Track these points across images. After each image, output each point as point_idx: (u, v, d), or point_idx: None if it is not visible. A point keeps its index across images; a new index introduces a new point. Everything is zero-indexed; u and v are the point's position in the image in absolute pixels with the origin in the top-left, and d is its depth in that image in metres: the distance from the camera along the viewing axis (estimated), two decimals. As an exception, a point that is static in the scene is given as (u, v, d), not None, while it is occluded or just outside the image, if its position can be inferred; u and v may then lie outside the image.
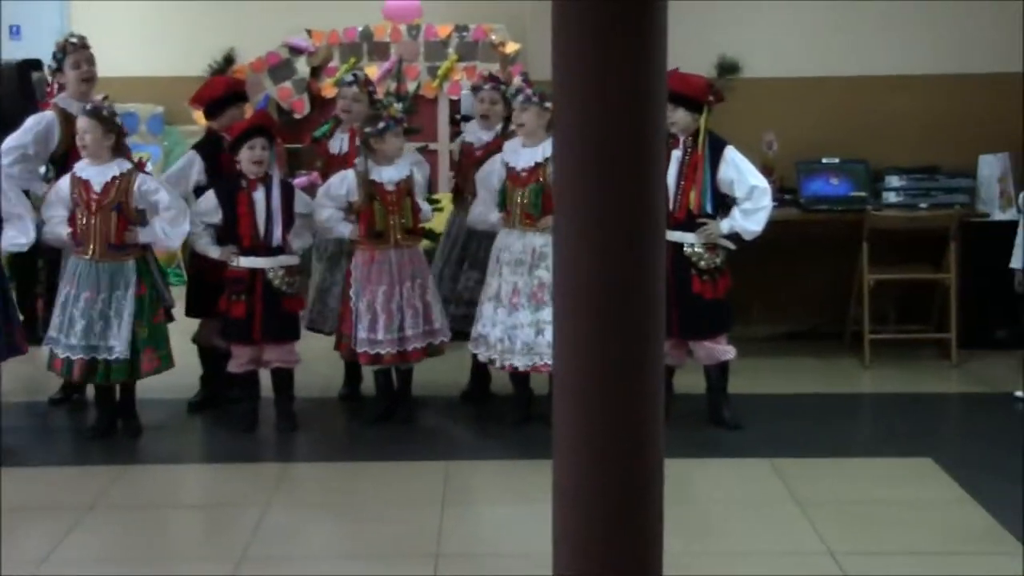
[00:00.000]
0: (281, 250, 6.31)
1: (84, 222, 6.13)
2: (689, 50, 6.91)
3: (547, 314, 5.88)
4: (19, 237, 6.21)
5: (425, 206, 6.58)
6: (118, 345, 6.11)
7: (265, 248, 6.27)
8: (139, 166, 6.27)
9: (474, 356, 6.57)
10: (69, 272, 6.18)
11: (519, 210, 6.29)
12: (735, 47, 6.55)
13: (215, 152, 6.61)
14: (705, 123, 6.23)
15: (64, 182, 6.20)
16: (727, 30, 7.76)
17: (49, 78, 6.89)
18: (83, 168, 6.16)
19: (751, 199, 6.26)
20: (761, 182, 6.31)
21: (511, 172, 6.33)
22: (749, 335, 6.55)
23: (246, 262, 6.27)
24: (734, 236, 6.31)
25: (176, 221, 6.22)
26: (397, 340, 6.34)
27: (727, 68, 6.37)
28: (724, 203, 6.32)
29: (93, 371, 6.15)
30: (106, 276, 6.15)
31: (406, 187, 6.38)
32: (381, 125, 6.34)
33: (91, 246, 6.13)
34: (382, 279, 6.34)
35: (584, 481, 3.24)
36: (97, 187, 6.13)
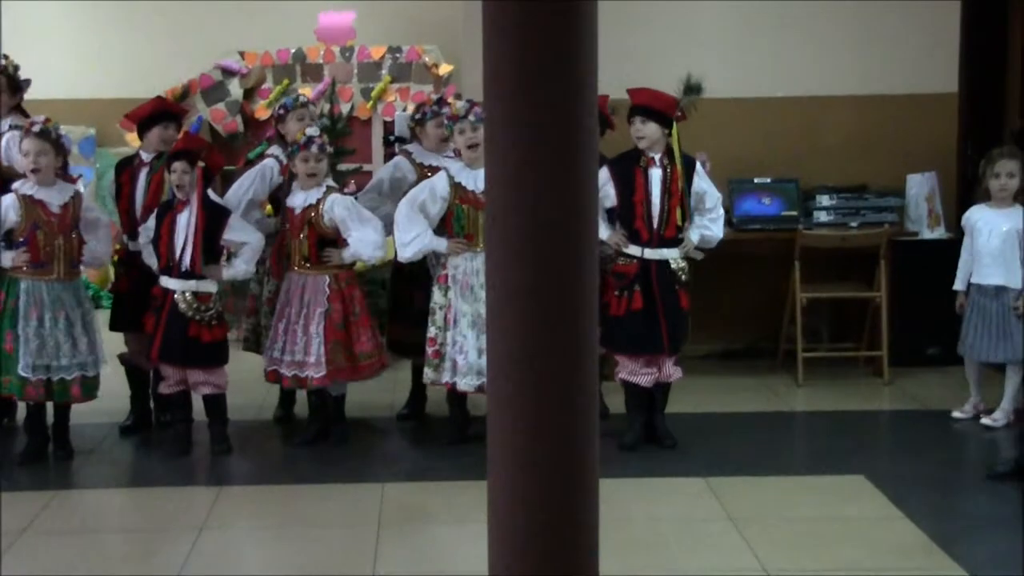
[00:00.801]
0: (192, 274, 6.26)
1: (46, 244, 6.07)
2: (644, 69, 7.02)
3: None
4: None
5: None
6: (89, 361, 6.16)
7: (179, 271, 6.23)
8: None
9: (416, 376, 6.56)
10: (23, 295, 6.09)
11: (484, 232, 6.20)
12: (672, 68, 6.63)
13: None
14: (677, 140, 6.28)
15: (5, 203, 6.11)
16: (664, 52, 7.83)
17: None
18: (33, 189, 6.09)
19: (715, 208, 6.46)
20: (717, 191, 6.51)
21: (468, 195, 6.27)
22: (685, 353, 6.58)
23: (164, 283, 6.26)
24: (700, 247, 6.44)
25: (108, 240, 6.34)
26: (297, 363, 6.31)
27: (692, 88, 6.47)
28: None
29: (50, 391, 6.11)
30: (69, 295, 6.15)
31: (309, 214, 6.32)
32: (290, 150, 6.37)
33: (56, 267, 6.09)
34: (291, 301, 6.34)
35: (518, 500, 3.24)
36: (55, 208, 6.08)
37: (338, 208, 6.30)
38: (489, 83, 3.18)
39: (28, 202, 6.07)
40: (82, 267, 6.32)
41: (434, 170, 6.49)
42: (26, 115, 6.52)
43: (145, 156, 6.60)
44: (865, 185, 8.08)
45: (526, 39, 3.11)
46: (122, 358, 6.76)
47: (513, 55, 3.12)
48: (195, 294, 6.22)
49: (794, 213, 7.92)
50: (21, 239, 6.06)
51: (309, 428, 6.56)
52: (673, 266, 6.32)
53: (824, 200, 7.96)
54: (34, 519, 5.48)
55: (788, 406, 7.37)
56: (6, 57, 6.67)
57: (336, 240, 6.33)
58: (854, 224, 7.90)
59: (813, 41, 8.29)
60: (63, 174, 6.23)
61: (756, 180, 7.99)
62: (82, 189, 6.49)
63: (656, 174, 6.31)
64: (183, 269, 6.21)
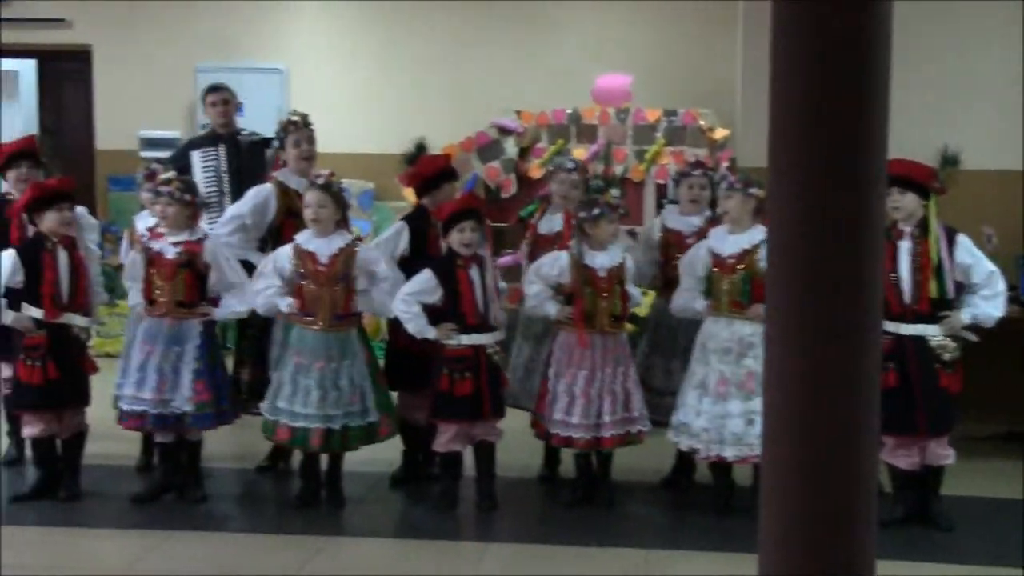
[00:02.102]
0: (494, 327, 6.36)
1: (313, 293, 6.26)
2: (908, 141, 6.80)
3: (757, 404, 5.77)
4: (237, 305, 6.42)
5: (635, 292, 6.55)
6: (368, 410, 6.31)
7: (485, 325, 6.32)
8: (358, 238, 6.44)
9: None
10: (294, 343, 6.30)
11: (727, 297, 6.21)
12: (953, 138, 6.42)
13: (422, 226, 6.73)
14: (934, 210, 6.09)
15: (282, 253, 6.35)
16: (944, 121, 7.61)
17: (275, 154, 7.10)
18: (307, 240, 6.30)
19: (989, 285, 6.11)
20: (994, 266, 6.18)
21: (717, 259, 6.26)
22: (966, 434, 6.29)
23: (469, 340, 6.29)
24: (973, 326, 6.13)
25: (391, 292, 6.37)
26: (593, 426, 6.30)
27: (949, 160, 6.23)
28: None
29: (329, 439, 6.26)
30: (336, 345, 6.29)
31: (617, 274, 6.37)
32: (596, 211, 6.35)
33: (320, 316, 6.26)
34: (584, 363, 6.32)
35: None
36: (323, 259, 6.27)
37: (629, 261, 6.47)
38: (775, 154, 3.13)
39: (300, 253, 6.27)
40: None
41: (680, 233, 6.65)
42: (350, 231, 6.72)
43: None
44: None
45: (814, 110, 3.04)
46: (399, 413, 6.86)
47: (800, 126, 3.07)
48: (499, 344, 6.37)
49: (1089, 290, 7.55)
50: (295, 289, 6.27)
51: (575, 489, 6.55)
52: (932, 343, 6.07)
53: (1121, 277, 7.58)
54: (305, 563, 5.62)
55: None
56: (306, 116, 6.91)
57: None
58: None
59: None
60: (345, 225, 6.42)
61: (1046, 255, 7.66)
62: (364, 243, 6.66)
63: (905, 246, 6.09)
64: (490, 323, 6.32)
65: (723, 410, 6.14)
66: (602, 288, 6.33)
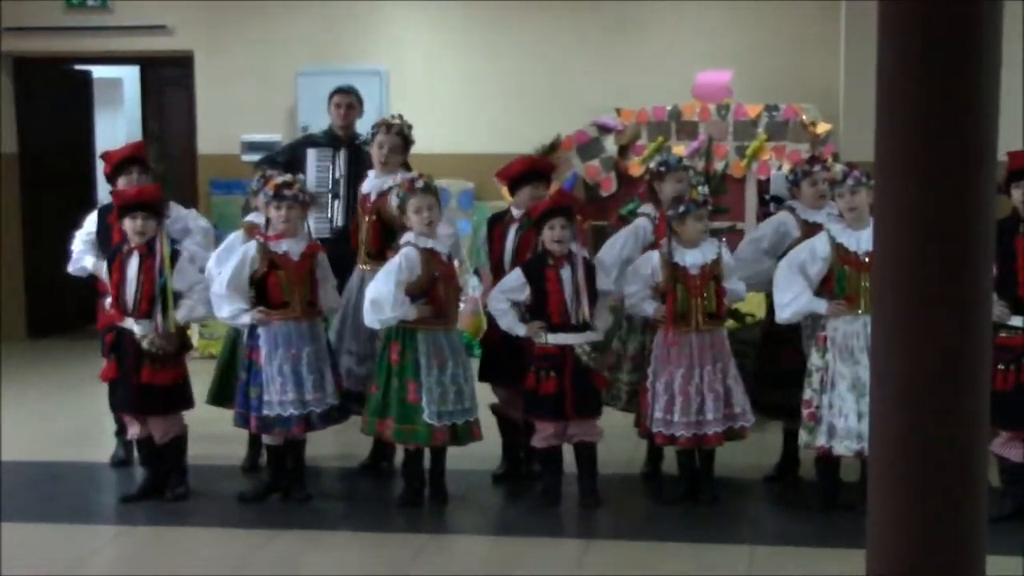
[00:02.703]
0: (587, 326, 6.35)
1: (445, 295, 6.35)
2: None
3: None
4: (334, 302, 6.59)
5: (737, 287, 6.50)
6: (474, 407, 6.41)
7: (573, 325, 6.32)
8: None
9: (787, 439, 6.44)
10: (423, 345, 6.31)
11: (868, 295, 6.04)
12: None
13: (502, 227, 6.80)
14: None
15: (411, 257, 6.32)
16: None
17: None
18: (429, 242, 6.30)
19: None
20: None
21: (850, 256, 6.13)
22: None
23: (555, 339, 6.31)
24: None
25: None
26: (695, 423, 6.26)
27: None
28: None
29: (455, 435, 6.34)
30: (457, 343, 6.43)
31: (711, 271, 6.33)
32: (682, 208, 6.31)
33: (451, 316, 6.42)
34: (681, 361, 6.28)
35: (900, 573, 3.12)
36: (444, 259, 6.37)
37: (726, 255, 6.43)
38: (881, 149, 3.10)
39: (427, 255, 6.29)
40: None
41: (818, 228, 6.36)
42: (410, 169, 6.82)
43: (516, 212, 6.73)
44: None
45: (921, 104, 3.00)
46: (493, 408, 6.90)
47: (907, 120, 3.03)
48: (592, 345, 6.33)
49: None
50: (421, 292, 6.25)
51: (678, 485, 6.52)
52: None
53: None
54: (411, 561, 5.66)
55: None
56: (400, 117, 6.97)
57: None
58: None
59: None
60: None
61: None
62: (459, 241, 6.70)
63: None
64: (580, 322, 6.30)
65: (841, 405, 6.06)
66: (694, 286, 6.29)
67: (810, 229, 6.48)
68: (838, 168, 6.27)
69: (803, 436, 6.23)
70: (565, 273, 6.32)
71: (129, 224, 6.39)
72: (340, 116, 7.76)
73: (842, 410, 6.05)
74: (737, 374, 6.39)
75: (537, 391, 6.30)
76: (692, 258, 6.33)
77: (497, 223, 6.84)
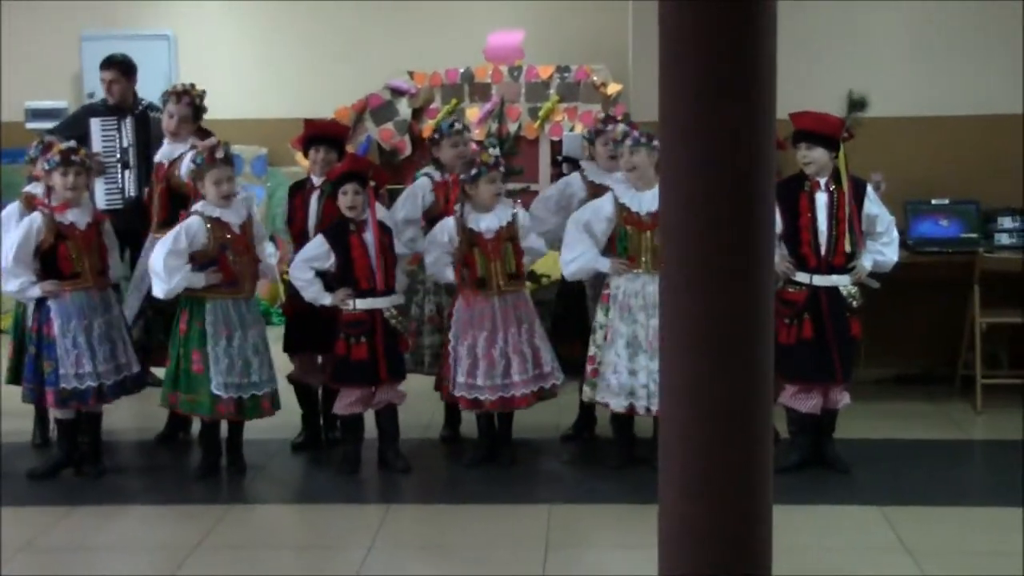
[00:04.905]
0: (392, 290, 6.33)
1: (235, 263, 6.22)
2: (808, 88, 6.84)
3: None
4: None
5: (537, 244, 6.51)
6: (273, 376, 6.34)
7: (380, 289, 6.29)
8: None
9: (582, 399, 6.53)
10: (210, 315, 6.18)
11: (649, 255, 6.18)
12: (845, 85, 6.45)
13: (302, 192, 6.75)
14: (844, 162, 6.16)
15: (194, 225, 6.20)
16: (836, 70, 7.66)
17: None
18: (217, 211, 6.17)
19: (887, 232, 6.29)
20: (890, 214, 6.36)
21: (632, 216, 6.22)
22: (857, 378, 6.41)
23: (363, 304, 6.26)
24: (874, 272, 6.28)
25: (275, 252, 6.61)
26: (500, 386, 6.29)
27: (856, 104, 6.26)
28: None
29: (240, 408, 6.23)
30: (253, 313, 6.33)
31: (507, 234, 6.35)
32: (473, 172, 6.31)
33: (244, 285, 6.28)
34: (484, 325, 6.30)
35: (691, 526, 3.18)
36: (236, 228, 6.23)
37: (522, 215, 6.44)
38: (665, 109, 3.14)
39: (215, 224, 6.18)
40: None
41: (606, 189, 6.44)
42: (207, 134, 6.66)
43: (316, 180, 6.66)
44: (1051, 206, 7.80)
45: (703, 64, 3.05)
46: (290, 377, 6.84)
47: (689, 80, 3.07)
48: (396, 307, 6.33)
49: (974, 235, 7.69)
50: (210, 260, 6.14)
51: (477, 448, 6.56)
52: (843, 292, 6.18)
53: (1006, 222, 7.72)
54: (208, 533, 5.57)
55: (967, 434, 7.13)
56: (193, 86, 6.81)
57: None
58: (1038, 246, 7.62)
59: (995, 59, 8.02)
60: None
61: (934, 201, 7.78)
62: (255, 210, 6.60)
63: (822, 199, 6.18)
64: (387, 286, 6.29)
65: (616, 362, 6.18)
66: (490, 250, 6.31)
67: (597, 190, 6.57)
68: (620, 128, 6.34)
69: (587, 391, 6.35)
70: (368, 237, 6.27)
71: None
72: (107, 91, 7.69)
73: (616, 367, 6.18)
74: (544, 333, 6.44)
75: (348, 357, 6.25)
76: (487, 223, 6.33)
77: (298, 191, 6.76)
